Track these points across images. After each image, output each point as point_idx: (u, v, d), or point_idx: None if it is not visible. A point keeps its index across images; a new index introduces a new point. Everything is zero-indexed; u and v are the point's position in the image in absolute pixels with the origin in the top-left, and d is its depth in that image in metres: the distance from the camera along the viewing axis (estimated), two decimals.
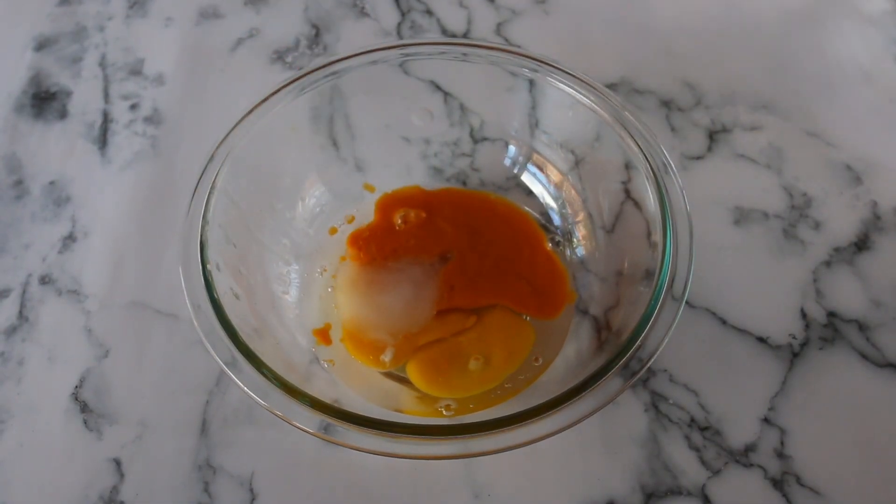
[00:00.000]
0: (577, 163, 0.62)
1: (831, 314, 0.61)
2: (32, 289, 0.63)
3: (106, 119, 0.74)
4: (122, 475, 0.54)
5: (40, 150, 0.72)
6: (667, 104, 0.73)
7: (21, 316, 0.62)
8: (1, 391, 0.58)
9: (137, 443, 0.56)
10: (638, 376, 0.47)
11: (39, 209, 0.68)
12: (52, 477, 0.55)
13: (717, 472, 0.54)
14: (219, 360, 0.47)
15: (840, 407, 0.56)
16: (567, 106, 0.60)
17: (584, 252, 0.61)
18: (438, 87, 0.66)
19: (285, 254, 0.60)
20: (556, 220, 0.63)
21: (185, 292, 0.50)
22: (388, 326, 0.57)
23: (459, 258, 0.60)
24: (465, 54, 0.61)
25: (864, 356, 0.59)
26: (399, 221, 0.61)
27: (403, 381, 0.56)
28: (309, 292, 0.60)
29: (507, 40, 0.79)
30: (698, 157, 0.70)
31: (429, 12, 0.81)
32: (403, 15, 0.81)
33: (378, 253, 0.60)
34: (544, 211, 0.64)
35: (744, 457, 0.54)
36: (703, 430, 0.56)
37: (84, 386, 0.58)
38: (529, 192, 0.65)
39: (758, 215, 0.66)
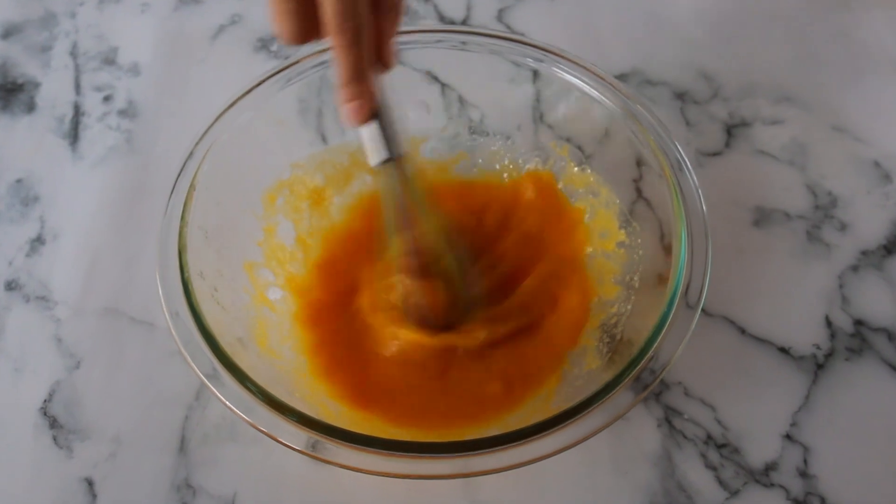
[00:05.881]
0: (586, 159, 0.62)
1: (859, 322, 0.61)
2: None
3: (77, 112, 0.74)
4: (94, 496, 0.55)
5: (6, 146, 0.72)
6: (681, 96, 0.73)
7: None
8: None
9: (111, 461, 0.56)
10: (650, 389, 0.47)
11: (5, 209, 0.68)
12: (19, 498, 0.55)
13: (735, 493, 0.54)
14: (198, 371, 0.47)
15: (868, 423, 0.57)
16: (574, 98, 0.61)
17: (592, 256, 0.61)
18: (435, 78, 0.66)
19: (271, 257, 0.61)
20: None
21: (162, 299, 0.50)
22: None
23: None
24: (463, 43, 0.61)
25: (894, 368, 0.59)
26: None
27: None
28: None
29: (509, 28, 0.79)
30: (715, 154, 0.70)
31: None
32: None
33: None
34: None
35: (764, 476, 0.55)
36: (721, 448, 0.56)
37: (53, 399, 0.58)
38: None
39: (779, 216, 0.66)
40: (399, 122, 0.48)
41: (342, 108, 0.45)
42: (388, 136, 0.48)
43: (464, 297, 0.58)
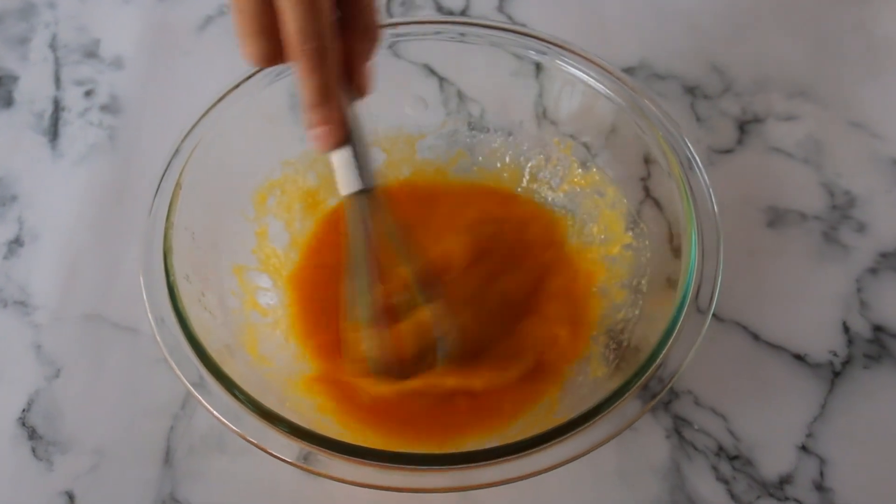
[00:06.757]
0: (591, 157, 0.62)
1: (877, 328, 0.61)
2: None
3: (57, 108, 0.74)
4: None
5: None
6: (692, 91, 0.74)
7: None
8: None
9: (93, 474, 0.56)
10: (658, 398, 0.47)
11: None
12: None
13: None
14: (184, 380, 0.47)
15: (887, 433, 0.57)
16: (579, 93, 0.61)
17: (597, 257, 0.61)
18: (433, 72, 0.66)
19: (262, 260, 0.61)
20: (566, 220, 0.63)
21: (146, 304, 0.50)
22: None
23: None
24: (462, 34, 0.61)
25: None
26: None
27: None
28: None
29: (510, 18, 0.79)
30: (727, 151, 0.70)
31: None
32: None
33: None
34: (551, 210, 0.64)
35: (778, 490, 0.55)
36: (733, 460, 0.56)
37: (32, 409, 0.58)
38: (535, 191, 0.65)
39: (794, 216, 0.66)
40: (370, 153, 0.47)
41: (307, 132, 0.45)
42: (360, 166, 0.47)
43: (439, 343, 0.56)
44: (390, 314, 0.56)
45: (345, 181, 0.47)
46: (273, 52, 0.42)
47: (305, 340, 0.59)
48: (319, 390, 0.56)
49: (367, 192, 0.48)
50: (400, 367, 0.56)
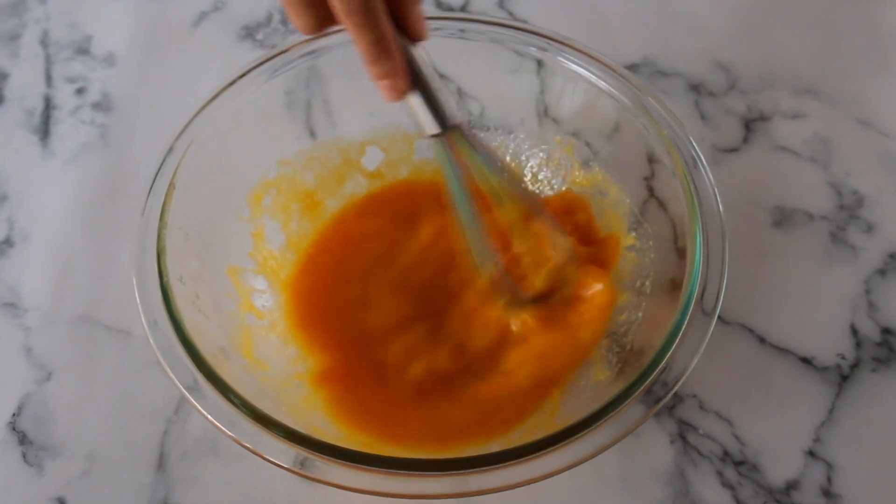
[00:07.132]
0: (593, 156, 0.62)
1: (886, 331, 0.61)
2: None
3: (48, 105, 0.74)
4: None
5: None
6: (696, 88, 0.74)
7: None
8: None
9: (85, 479, 0.56)
10: (662, 403, 0.47)
11: None
12: None
13: None
14: (178, 383, 0.47)
15: None
16: (581, 90, 0.61)
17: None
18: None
19: (258, 261, 0.61)
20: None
21: (139, 306, 0.50)
22: None
23: None
24: (462, 31, 0.61)
25: None
26: None
27: None
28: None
29: (511, 14, 0.79)
30: (732, 150, 0.70)
31: None
32: None
33: None
34: (553, 210, 0.64)
35: (785, 496, 0.55)
36: (738, 465, 0.56)
37: (23, 414, 0.58)
38: (536, 190, 0.65)
39: (801, 217, 0.66)
40: (442, 93, 0.48)
41: (375, 86, 0.46)
42: (434, 107, 0.48)
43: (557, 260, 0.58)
44: (502, 239, 0.57)
45: (423, 124, 0.49)
46: (322, 18, 0.44)
47: (310, 337, 0.60)
48: (321, 392, 0.56)
49: (447, 131, 0.49)
50: (524, 288, 0.57)
